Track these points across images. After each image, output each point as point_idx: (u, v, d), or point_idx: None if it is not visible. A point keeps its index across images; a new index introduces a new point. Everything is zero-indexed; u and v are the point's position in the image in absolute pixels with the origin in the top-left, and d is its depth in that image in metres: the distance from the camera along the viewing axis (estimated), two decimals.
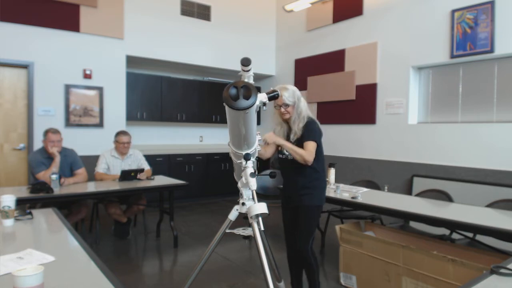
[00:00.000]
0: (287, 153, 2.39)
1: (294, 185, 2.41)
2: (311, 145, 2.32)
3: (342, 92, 5.61)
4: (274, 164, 6.50)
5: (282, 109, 2.36)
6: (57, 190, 3.17)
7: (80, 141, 4.77)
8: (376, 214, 3.51)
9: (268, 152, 2.46)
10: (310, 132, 2.35)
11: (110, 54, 5.25)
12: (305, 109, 2.40)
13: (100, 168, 3.96)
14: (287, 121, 2.43)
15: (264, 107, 1.72)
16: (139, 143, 5.80)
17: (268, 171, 2.00)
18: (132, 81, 5.68)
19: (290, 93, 2.35)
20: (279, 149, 2.47)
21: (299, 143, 2.36)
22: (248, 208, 1.59)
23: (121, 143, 4.01)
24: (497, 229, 2.24)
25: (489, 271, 1.35)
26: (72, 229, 1.98)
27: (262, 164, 6.84)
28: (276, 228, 4.72)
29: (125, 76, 5.45)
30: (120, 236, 4.12)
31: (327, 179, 3.48)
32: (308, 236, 2.37)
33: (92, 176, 4.06)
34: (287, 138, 2.42)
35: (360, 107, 5.35)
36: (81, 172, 3.73)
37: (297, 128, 2.36)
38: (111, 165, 4.02)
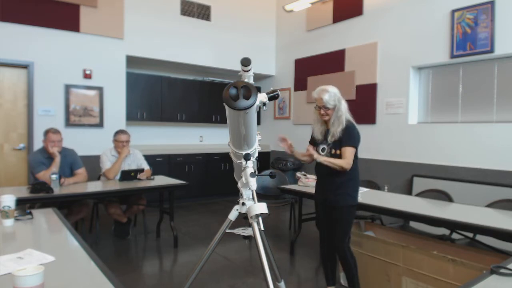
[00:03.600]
0: (322, 154, 2.45)
1: (330, 186, 2.48)
2: (349, 152, 2.39)
3: (342, 92, 5.55)
4: (274, 164, 6.50)
5: (322, 111, 2.42)
6: (57, 190, 3.16)
7: (80, 141, 4.76)
8: (376, 214, 3.52)
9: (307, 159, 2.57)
10: (350, 137, 2.41)
11: (110, 54, 5.25)
12: (345, 112, 2.45)
13: (107, 165, 3.95)
14: (326, 122, 2.49)
15: (264, 107, 1.72)
16: (139, 143, 5.80)
17: (268, 171, 2.00)
18: (132, 81, 5.68)
19: (331, 96, 2.40)
20: (315, 149, 2.51)
21: (336, 145, 2.42)
22: (248, 208, 1.58)
23: (120, 142, 4.01)
24: (497, 229, 2.24)
25: (489, 271, 1.35)
26: (72, 229, 1.98)
27: (262, 164, 6.85)
28: (276, 228, 4.72)
29: (125, 76, 5.44)
30: (120, 236, 4.12)
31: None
32: (344, 234, 2.47)
33: (92, 176, 4.06)
34: (325, 138, 2.48)
35: (360, 107, 5.35)
36: (81, 172, 3.72)
37: (336, 130, 2.41)
38: (112, 163, 4.01)
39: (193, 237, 4.27)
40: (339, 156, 2.42)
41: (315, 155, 2.41)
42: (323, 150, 2.49)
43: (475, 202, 3.36)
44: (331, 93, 2.41)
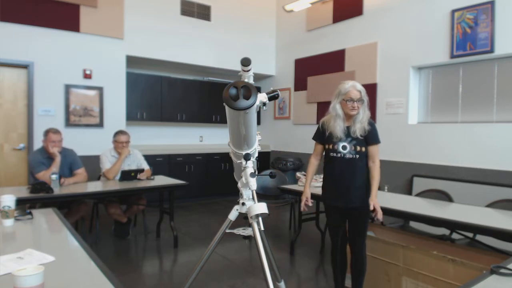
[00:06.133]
0: (344, 151, 2.36)
1: (350, 185, 2.36)
2: (377, 150, 2.41)
3: None
4: (274, 164, 6.50)
5: (355, 104, 2.34)
6: (57, 190, 3.16)
7: (80, 141, 4.76)
8: None
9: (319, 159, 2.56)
10: (375, 134, 2.42)
11: (110, 54, 5.25)
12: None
13: (107, 165, 3.94)
14: (349, 117, 2.40)
15: (264, 107, 1.72)
16: (139, 143, 5.80)
17: (268, 171, 2.00)
18: (132, 81, 5.68)
19: (364, 91, 2.38)
20: (330, 147, 2.42)
21: (361, 143, 2.37)
22: (248, 208, 1.58)
23: (120, 143, 4.00)
24: (497, 229, 2.24)
25: (489, 271, 1.35)
26: (72, 229, 1.98)
27: (262, 164, 6.85)
28: (276, 228, 4.72)
29: (125, 76, 5.45)
30: (120, 236, 4.12)
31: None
32: (364, 237, 2.43)
33: (92, 176, 4.06)
34: (347, 134, 2.39)
35: None
36: (81, 172, 3.72)
37: (362, 126, 2.36)
38: (111, 164, 4.01)
39: (193, 237, 4.27)
40: (364, 153, 2.37)
41: (377, 205, 2.30)
42: (344, 148, 2.36)
43: (475, 202, 3.36)
44: (363, 88, 2.39)
